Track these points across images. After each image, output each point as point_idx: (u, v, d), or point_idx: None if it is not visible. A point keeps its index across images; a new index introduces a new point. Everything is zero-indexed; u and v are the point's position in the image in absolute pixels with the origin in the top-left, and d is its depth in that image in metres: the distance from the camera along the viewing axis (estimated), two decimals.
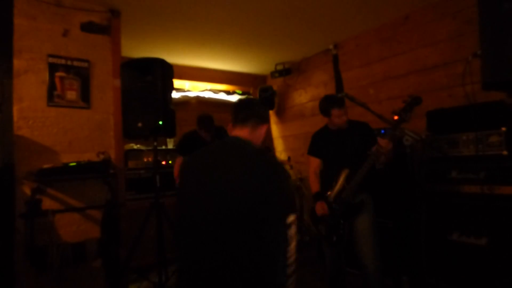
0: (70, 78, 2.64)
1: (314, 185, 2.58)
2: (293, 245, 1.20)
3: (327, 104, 2.40)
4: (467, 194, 2.42)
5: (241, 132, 1.41)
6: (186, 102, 4.71)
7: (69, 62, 2.65)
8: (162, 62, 2.77)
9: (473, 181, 2.39)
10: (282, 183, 1.26)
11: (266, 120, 1.50)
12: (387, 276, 2.81)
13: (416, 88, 3.33)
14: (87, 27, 2.71)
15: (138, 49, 3.91)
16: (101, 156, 2.55)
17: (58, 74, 2.59)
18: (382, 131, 3.01)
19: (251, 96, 5.25)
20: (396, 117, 2.11)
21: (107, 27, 2.82)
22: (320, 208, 2.39)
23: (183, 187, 1.37)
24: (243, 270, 1.14)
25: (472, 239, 2.36)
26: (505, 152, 2.25)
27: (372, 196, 2.43)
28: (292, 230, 1.20)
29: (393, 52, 3.56)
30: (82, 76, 2.70)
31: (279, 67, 4.84)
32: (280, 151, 5.31)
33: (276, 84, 5.15)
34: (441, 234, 2.53)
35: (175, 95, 4.43)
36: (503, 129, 2.24)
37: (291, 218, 1.21)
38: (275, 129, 5.44)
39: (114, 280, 2.53)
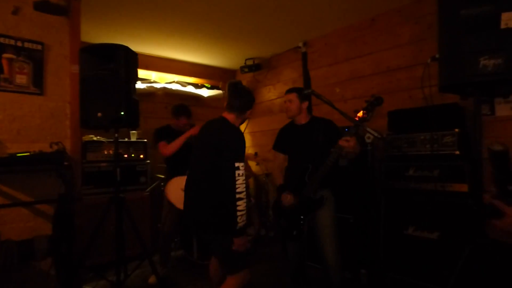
0: (20, 61, 2.43)
1: (278, 179, 2.61)
2: (240, 180, 1.87)
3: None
4: (422, 190, 2.55)
5: (227, 115, 2.16)
6: (152, 93, 4.54)
7: (19, 43, 2.44)
8: (126, 50, 2.63)
9: (428, 179, 2.52)
10: (235, 141, 2.00)
11: (242, 111, 2.18)
12: (347, 270, 2.89)
13: (379, 89, 3.44)
14: (42, 6, 2.50)
15: (100, 34, 3.70)
16: (55, 147, 2.38)
17: (6, 55, 2.38)
18: (346, 129, 3.08)
19: (220, 90, 5.18)
20: (360, 114, 2.17)
21: (65, 8, 2.63)
22: (286, 199, 2.41)
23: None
24: (210, 181, 1.97)
25: (426, 233, 2.49)
26: (457, 152, 2.38)
27: (334, 192, 2.48)
28: (239, 171, 1.88)
29: (359, 53, 3.65)
30: (35, 59, 2.50)
31: (249, 62, 4.81)
32: (248, 147, 5.30)
33: (245, 79, 5.11)
34: (398, 229, 2.65)
35: (140, 85, 4.26)
36: (456, 130, 2.38)
37: (238, 164, 1.88)
38: (243, 125, 5.38)
39: (66, 280, 2.38)
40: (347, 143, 2.12)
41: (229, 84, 2.18)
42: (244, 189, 1.89)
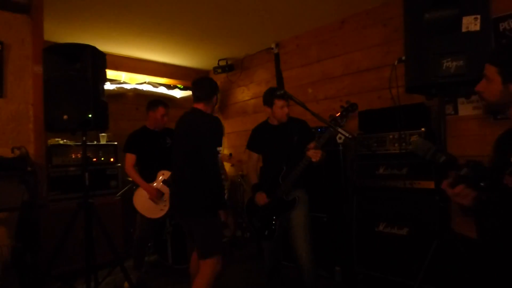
0: None
1: (252, 178, 2.62)
2: (220, 163, 2.17)
3: (270, 95, 2.46)
4: (392, 188, 2.63)
5: (197, 105, 2.31)
6: (122, 94, 4.40)
7: None
8: (93, 49, 2.53)
9: (397, 177, 2.61)
10: (214, 127, 2.20)
11: (208, 98, 2.32)
12: (321, 268, 2.94)
13: (350, 89, 3.53)
14: (1, 4, 2.37)
15: (65, 33, 3.54)
16: (17, 152, 2.25)
17: None
18: (319, 129, 3.14)
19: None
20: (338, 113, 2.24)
21: (26, 5, 2.49)
22: (260, 198, 2.42)
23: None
24: (193, 168, 2.14)
25: (396, 230, 2.58)
26: None
27: (308, 191, 2.51)
28: (219, 155, 2.14)
29: (330, 54, 3.73)
30: None
31: (222, 63, 4.78)
32: (222, 148, 5.26)
33: (218, 80, 5.06)
34: (370, 226, 2.72)
35: (109, 86, 4.11)
36: (423, 129, 2.48)
37: (219, 148, 2.16)
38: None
39: None
40: (315, 155, 2.19)
41: (192, 82, 2.43)
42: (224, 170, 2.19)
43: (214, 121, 2.24)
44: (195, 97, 2.33)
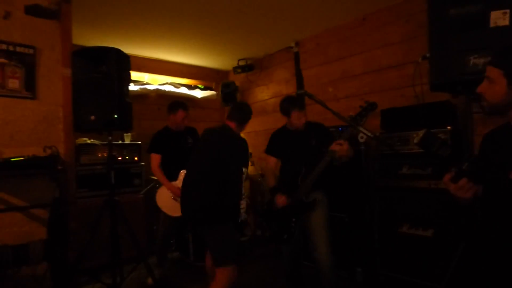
0: (13, 65, 2.40)
1: (271, 181, 2.63)
2: (244, 183, 2.10)
3: (288, 105, 2.47)
4: (416, 188, 2.57)
5: (230, 123, 2.44)
6: (145, 95, 4.52)
7: (11, 48, 2.41)
8: (117, 52, 2.63)
9: (421, 177, 2.54)
10: (243, 148, 2.33)
11: (242, 122, 2.49)
12: (342, 268, 2.91)
13: (371, 88, 3.47)
14: (33, 11, 2.48)
15: (91, 37, 3.68)
16: (48, 151, 2.35)
17: None
18: (340, 129, 3.11)
19: (213, 91, 5.18)
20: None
21: (56, 12, 2.61)
22: (280, 200, 2.43)
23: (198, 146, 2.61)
24: (209, 181, 2.21)
25: (420, 231, 2.52)
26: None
27: (327, 192, 2.50)
28: (244, 176, 2.24)
29: (350, 52, 3.68)
30: (27, 63, 2.47)
31: (242, 63, 4.82)
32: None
33: (238, 80, 5.12)
34: (393, 227, 2.67)
35: (133, 87, 4.23)
36: (449, 127, 2.41)
37: (244, 169, 2.27)
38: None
39: (61, 284, 2.36)
40: (340, 146, 2.13)
41: (233, 103, 2.69)
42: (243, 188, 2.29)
43: (244, 142, 2.38)
44: (231, 116, 2.46)
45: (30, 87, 2.49)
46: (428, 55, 2.08)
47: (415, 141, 1.18)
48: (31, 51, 2.50)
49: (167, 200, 3.12)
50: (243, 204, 2.08)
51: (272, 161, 2.70)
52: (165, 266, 3.29)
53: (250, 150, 4.92)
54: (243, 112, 2.51)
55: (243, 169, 2.28)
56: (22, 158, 2.21)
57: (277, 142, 2.68)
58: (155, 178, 3.72)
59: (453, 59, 1.82)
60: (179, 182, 3.12)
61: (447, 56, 1.86)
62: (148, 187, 3.82)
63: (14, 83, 2.41)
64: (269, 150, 2.72)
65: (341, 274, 2.89)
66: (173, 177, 3.15)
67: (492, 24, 1.72)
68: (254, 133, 5.10)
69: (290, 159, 2.58)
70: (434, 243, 2.43)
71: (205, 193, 2.20)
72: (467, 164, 1.07)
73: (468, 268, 1.77)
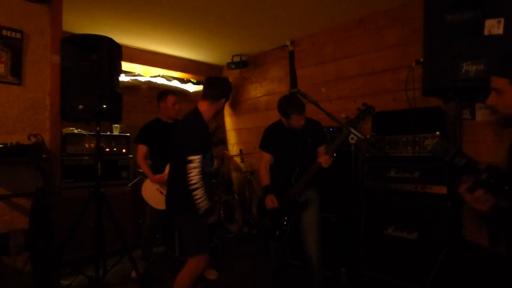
0: None
1: (264, 179, 2.60)
2: (193, 173, 1.98)
3: (288, 108, 2.36)
4: (403, 191, 2.60)
5: (200, 104, 2.25)
6: (136, 86, 4.45)
7: None
8: (109, 41, 2.57)
9: (408, 180, 2.57)
10: (190, 134, 2.10)
11: (216, 98, 2.22)
12: (327, 268, 2.92)
13: (364, 90, 3.49)
14: None
15: (82, 24, 3.59)
16: (33, 139, 2.29)
17: None
18: (331, 129, 3.12)
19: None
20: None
21: None
22: (270, 201, 2.42)
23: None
24: (175, 170, 2.17)
25: (405, 234, 2.55)
26: None
27: (320, 191, 2.50)
28: (192, 164, 1.98)
29: (345, 53, 3.68)
30: (13, 48, 2.39)
31: (236, 59, 4.78)
32: (233, 143, 5.27)
33: (232, 76, 5.08)
34: (378, 229, 2.70)
35: (123, 78, 4.16)
36: (438, 133, 2.44)
37: (191, 157, 1.98)
38: (229, 122, 5.38)
39: (43, 276, 2.31)
40: (326, 161, 2.22)
41: (206, 78, 2.40)
42: (198, 180, 1.99)
43: (195, 127, 2.13)
44: (203, 94, 2.25)
45: (16, 72, 2.41)
46: (421, 60, 2.09)
47: (428, 148, 1.16)
48: (18, 35, 2.42)
49: (152, 193, 3.08)
50: (197, 193, 1.98)
51: (267, 157, 2.65)
52: (149, 260, 3.25)
53: (241, 147, 4.92)
54: (217, 87, 2.22)
55: (193, 157, 1.98)
56: (4, 145, 2.14)
57: (272, 138, 2.62)
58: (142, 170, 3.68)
59: (446, 65, 1.83)
60: (165, 175, 3.08)
61: (440, 62, 1.87)
62: (136, 180, 3.77)
63: None
64: (264, 146, 2.66)
65: (327, 274, 2.90)
66: (161, 169, 3.10)
67: (486, 32, 1.73)
68: (245, 130, 5.08)
69: (285, 157, 2.54)
70: (418, 246, 2.46)
71: (171, 182, 2.24)
72: (487, 174, 1.01)
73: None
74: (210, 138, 2.37)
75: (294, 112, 2.34)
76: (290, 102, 2.36)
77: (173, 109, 3.16)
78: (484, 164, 1.12)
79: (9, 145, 2.17)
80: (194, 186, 1.99)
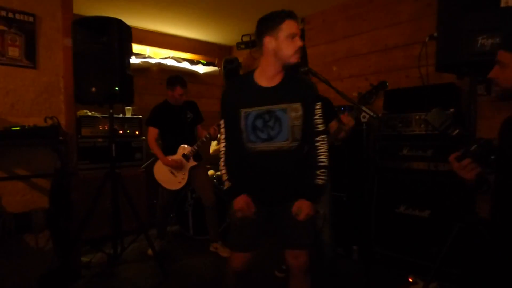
0: (12, 33, 2.35)
1: None
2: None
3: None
4: (415, 170, 2.58)
5: None
6: (146, 68, 4.46)
7: (10, 15, 2.35)
8: (119, 23, 2.58)
9: (421, 158, 2.55)
10: None
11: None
12: (339, 246, 2.97)
13: (376, 68, 3.42)
14: None
15: (92, 7, 3.58)
16: (49, 122, 2.35)
17: None
18: (342, 109, 3.09)
19: (216, 66, 5.10)
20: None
21: None
22: None
23: None
24: None
25: (417, 212, 2.55)
26: None
27: (330, 171, 2.51)
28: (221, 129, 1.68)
29: (357, 30, 3.59)
30: (27, 32, 2.42)
31: (246, 39, 4.70)
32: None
33: (241, 56, 5.03)
34: (390, 207, 2.71)
35: (134, 60, 4.16)
36: (452, 110, 2.39)
37: None
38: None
39: (64, 253, 2.42)
40: (349, 122, 2.11)
41: None
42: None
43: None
44: None
45: (30, 56, 2.45)
46: (435, 34, 2.02)
47: (423, 117, 1.21)
48: (30, 18, 2.44)
49: (164, 174, 3.14)
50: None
51: None
52: (164, 239, 3.36)
53: None
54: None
55: None
56: (23, 128, 2.21)
57: None
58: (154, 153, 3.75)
59: (461, 39, 1.77)
60: (176, 157, 3.13)
61: (455, 36, 1.81)
62: (149, 161, 3.84)
63: (14, 51, 2.37)
64: None
65: (338, 251, 2.95)
66: (172, 151, 3.15)
67: (503, 4, 1.66)
68: None
69: None
70: (430, 223, 2.46)
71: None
72: (475, 146, 1.10)
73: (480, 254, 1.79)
74: None
75: None
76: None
77: (180, 99, 3.17)
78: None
79: (26, 127, 2.24)
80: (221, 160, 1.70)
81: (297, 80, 1.66)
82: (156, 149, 3.14)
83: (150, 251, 3.08)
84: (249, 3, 3.65)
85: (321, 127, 1.62)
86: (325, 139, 1.63)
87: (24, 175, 2.41)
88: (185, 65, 4.76)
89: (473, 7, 1.73)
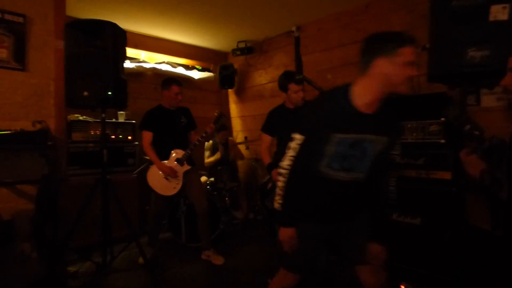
0: (0, 34, 2.32)
1: (266, 158, 2.64)
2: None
3: (285, 79, 2.47)
4: (407, 177, 2.59)
5: None
6: (141, 73, 4.44)
7: None
8: (113, 26, 2.57)
9: (413, 166, 2.56)
10: None
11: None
12: (331, 252, 2.95)
13: None
14: None
15: (86, 9, 3.56)
16: (38, 126, 2.31)
17: None
18: None
19: (211, 72, 5.10)
20: None
21: None
22: (275, 174, 2.44)
23: None
24: None
25: (409, 219, 2.55)
26: (442, 141, 2.42)
27: None
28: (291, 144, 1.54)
29: (351, 39, 3.62)
30: (16, 33, 2.38)
31: (241, 45, 4.73)
32: (238, 131, 5.28)
33: (237, 62, 5.05)
34: None
35: (128, 64, 4.15)
36: (442, 119, 2.41)
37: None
38: (234, 109, 5.37)
39: (49, 262, 2.35)
40: None
41: None
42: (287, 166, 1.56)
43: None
44: None
45: (19, 58, 2.41)
46: (427, 45, 2.05)
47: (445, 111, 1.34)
48: (20, 19, 2.40)
49: (158, 179, 3.10)
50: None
51: (267, 139, 2.69)
52: (156, 246, 3.31)
53: (246, 134, 4.92)
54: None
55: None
56: (9, 132, 2.16)
57: (274, 121, 2.65)
58: (149, 158, 3.71)
59: (452, 51, 1.80)
60: (169, 162, 3.09)
61: (446, 48, 1.84)
62: (142, 167, 3.80)
63: (2, 53, 2.32)
64: (265, 129, 2.71)
65: (330, 258, 2.92)
66: (165, 155, 3.11)
67: (491, 18, 1.70)
68: (251, 118, 5.07)
69: (287, 139, 2.56)
70: (422, 231, 2.46)
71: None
72: (488, 144, 1.18)
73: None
74: None
75: (290, 81, 2.42)
76: (287, 74, 2.51)
77: (176, 99, 3.12)
78: None
79: (14, 131, 2.19)
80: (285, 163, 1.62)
81: (390, 110, 1.51)
82: (151, 154, 3.08)
83: (141, 260, 3.03)
84: (245, 10, 3.66)
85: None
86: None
87: (9, 182, 2.32)
88: (180, 70, 4.76)
89: (463, 20, 1.76)
